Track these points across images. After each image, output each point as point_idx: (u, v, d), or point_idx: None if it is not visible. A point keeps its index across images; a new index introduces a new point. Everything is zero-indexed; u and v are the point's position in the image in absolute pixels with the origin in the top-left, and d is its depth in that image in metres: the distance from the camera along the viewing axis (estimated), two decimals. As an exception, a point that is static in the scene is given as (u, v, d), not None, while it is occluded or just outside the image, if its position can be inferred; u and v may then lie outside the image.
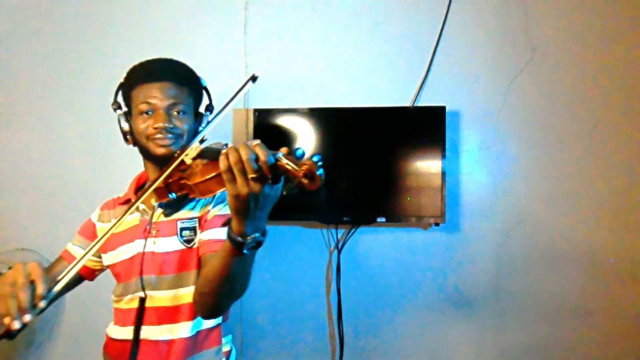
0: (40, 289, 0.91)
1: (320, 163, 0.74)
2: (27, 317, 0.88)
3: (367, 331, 2.11)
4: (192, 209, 1.26)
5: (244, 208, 0.81)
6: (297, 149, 0.78)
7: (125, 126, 1.27)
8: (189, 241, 1.22)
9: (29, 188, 2.20)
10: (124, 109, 1.29)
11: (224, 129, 2.12)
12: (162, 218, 1.25)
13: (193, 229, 1.23)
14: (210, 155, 1.00)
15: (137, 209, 1.26)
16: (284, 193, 0.82)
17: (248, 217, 0.83)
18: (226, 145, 0.97)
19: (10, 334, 0.87)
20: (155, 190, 1.06)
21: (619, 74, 2.03)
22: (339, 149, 2.06)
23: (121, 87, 1.30)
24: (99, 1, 2.19)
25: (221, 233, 1.16)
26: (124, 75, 1.29)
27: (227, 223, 0.88)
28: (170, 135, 1.22)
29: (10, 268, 0.94)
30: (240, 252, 0.86)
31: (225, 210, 1.22)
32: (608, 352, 2.02)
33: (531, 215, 2.05)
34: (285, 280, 2.14)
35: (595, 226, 2.02)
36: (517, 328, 2.05)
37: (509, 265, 2.05)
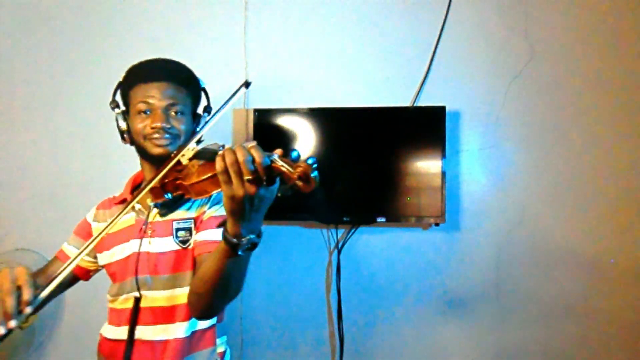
0: (27, 294, 0.91)
1: (315, 165, 0.74)
2: (13, 323, 0.88)
3: (367, 331, 2.11)
4: (188, 209, 1.26)
5: (240, 209, 0.81)
6: (293, 150, 0.78)
7: (123, 125, 1.27)
8: (184, 242, 1.22)
9: (29, 188, 2.20)
10: (122, 108, 1.29)
11: (224, 129, 2.12)
12: (158, 218, 1.25)
13: (188, 230, 1.23)
14: (206, 156, 1.00)
15: (133, 208, 1.26)
16: (279, 195, 0.83)
17: (243, 219, 0.83)
18: (223, 146, 0.97)
19: None
20: (151, 190, 1.06)
21: (619, 73, 2.02)
22: (339, 149, 2.06)
23: (120, 86, 1.30)
24: (98, 1, 2.19)
25: (216, 234, 1.16)
26: (123, 74, 1.29)
27: (222, 224, 0.88)
28: (167, 136, 1.22)
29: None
30: (235, 253, 0.86)
31: (220, 211, 1.22)
32: (608, 352, 2.01)
33: (531, 215, 2.04)
34: (285, 280, 2.14)
35: (596, 226, 2.02)
36: (517, 328, 2.04)
37: (509, 265, 2.05)
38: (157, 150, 1.22)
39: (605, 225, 2.01)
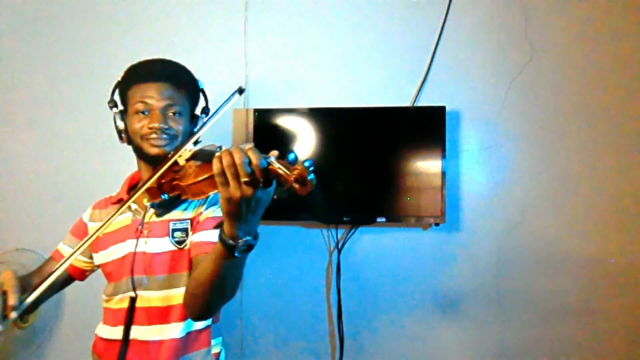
0: (12, 300, 0.92)
1: (311, 168, 0.74)
2: None
3: (367, 331, 2.10)
4: (185, 210, 1.26)
5: (236, 211, 0.81)
6: (290, 152, 0.78)
7: (121, 125, 1.27)
8: (180, 242, 1.22)
9: (29, 188, 2.20)
10: (120, 107, 1.29)
11: (223, 129, 2.12)
12: (154, 218, 1.25)
13: (185, 230, 1.23)
14: (203, 157, 1.00)
15: (129, 208, 1.26)
16: (275, 197, 0.83)
17: (240, 220, 0.83)
18: (220, 147, 0.97)
19: None
20: (148, 190, 1.06)
21: (619, 73, 2.01)
22: (339, 149, 2.05)
23: (118, 85, 1.30)
24: (98, 1, 2.19)
25: (213, 235, 1.16)
26: (122, 74, 1.29)
27: (219, 225, 0.88)
28: (164, 136, 1.22)
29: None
30: (232, 255, 0.86)
31: (217, 212, 1.22)
32: (608, 352, 2.01)
33: (531, 215, 2.04)
34: (285, 280, 2.14)
35: (595, 226, 2.01)
36: (517, 328, 2.04)
37: (509, 265, 2.04)
38: (154, 151, 1.22)
39: (605, 225, 2.01)
